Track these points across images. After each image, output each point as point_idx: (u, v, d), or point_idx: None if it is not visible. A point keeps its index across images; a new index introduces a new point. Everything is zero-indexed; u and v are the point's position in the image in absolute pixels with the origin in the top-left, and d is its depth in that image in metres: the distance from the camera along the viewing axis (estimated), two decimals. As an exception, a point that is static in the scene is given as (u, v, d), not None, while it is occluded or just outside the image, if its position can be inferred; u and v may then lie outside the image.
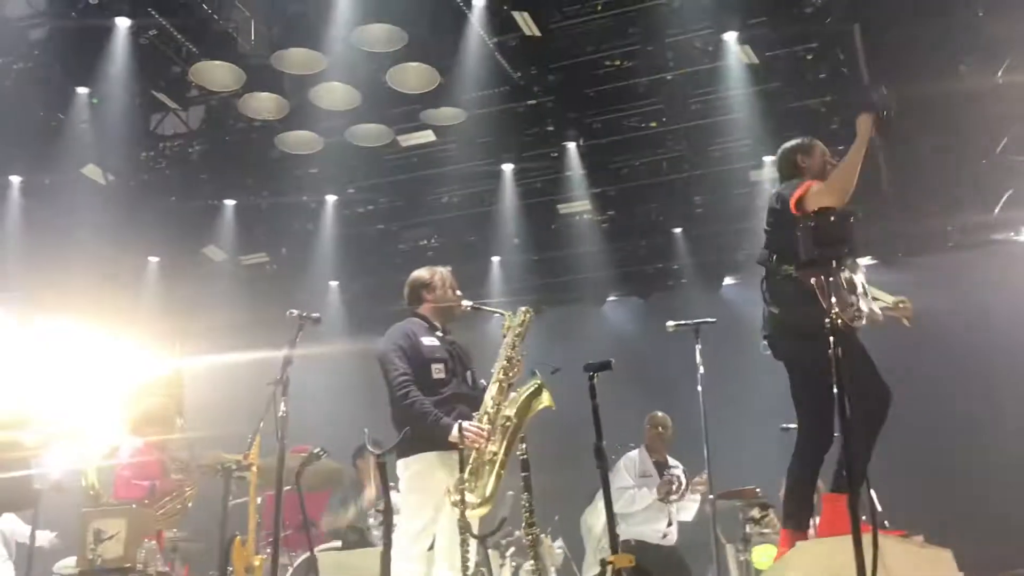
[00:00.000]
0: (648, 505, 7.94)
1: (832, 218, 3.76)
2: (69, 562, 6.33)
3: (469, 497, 4.79)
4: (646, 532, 7.91)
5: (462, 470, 4.77)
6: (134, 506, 6.17)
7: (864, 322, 4.63)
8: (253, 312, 12.77)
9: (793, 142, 5.42)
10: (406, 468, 5.21)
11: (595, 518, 8.47)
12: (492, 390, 5.26)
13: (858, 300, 4.64)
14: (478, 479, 4.96)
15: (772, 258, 4.97)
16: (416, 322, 5.61)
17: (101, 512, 5.79)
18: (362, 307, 12.48)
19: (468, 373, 5.57)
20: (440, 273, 5.80)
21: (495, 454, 5.03)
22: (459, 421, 5.05)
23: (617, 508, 7.60)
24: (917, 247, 11.54)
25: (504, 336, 5.47)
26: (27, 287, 6.19)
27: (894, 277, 10.69)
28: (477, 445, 5.01)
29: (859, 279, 4.70)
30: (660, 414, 8.29)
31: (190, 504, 6.90)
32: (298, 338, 4.77)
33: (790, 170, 5.32)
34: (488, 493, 4.94)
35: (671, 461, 8.28)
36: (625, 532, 7.97)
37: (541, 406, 5.24)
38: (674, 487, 7.88)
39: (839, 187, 4.75)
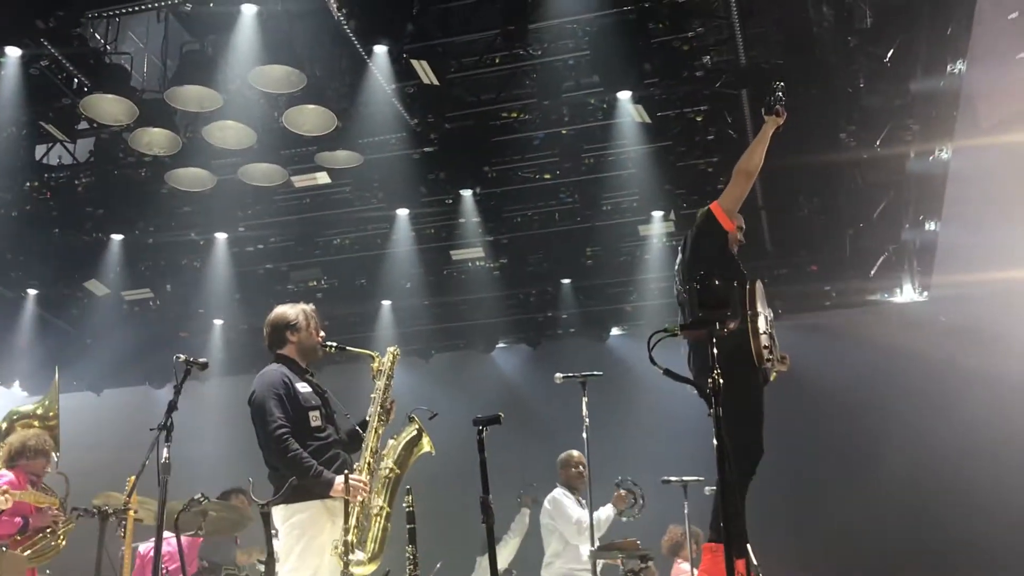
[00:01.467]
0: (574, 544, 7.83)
1: (716, 282, 3.90)
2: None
3: (358, 554, 4.72)
4: (583, 573, 7.67)
5: (346, 522, 4.71)
6: (3, 549, 5.93)
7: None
8: (136, 347, 12.52)
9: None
10: (289, 516, 5.03)
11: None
12: (369, 438, 5.18)
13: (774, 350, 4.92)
14: (364, 532, 4.90)
15: None
16: (286, 368, 5.39)
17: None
18: (247, 346, 12.29)
19: (339, 418, 5.43)
20: (305, 311, 5.54)
21: (380, 507, 4.97)
22: (343, 472, 4.94)
23: (579, 540, 7.57)
24: (797, 305, 11.94)
25: (374, 379, 5.37)
26: None
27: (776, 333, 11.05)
28: (361, 498, 4.93)
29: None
30: (577, 452, 8.14)
31: (63, 542, 6.60)
32: (183, 383, 4.66)
33: None
34: (376, 548, 4.88)
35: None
36: (561, 572, 7.91)
37: (421, 452, 5.22)
38: (636, 498, 7.70)
39: (744, 168, 5.48)
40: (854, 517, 10.60)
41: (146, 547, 6.82)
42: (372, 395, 5.33)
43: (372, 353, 5.45)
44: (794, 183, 9.80)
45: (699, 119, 9.41)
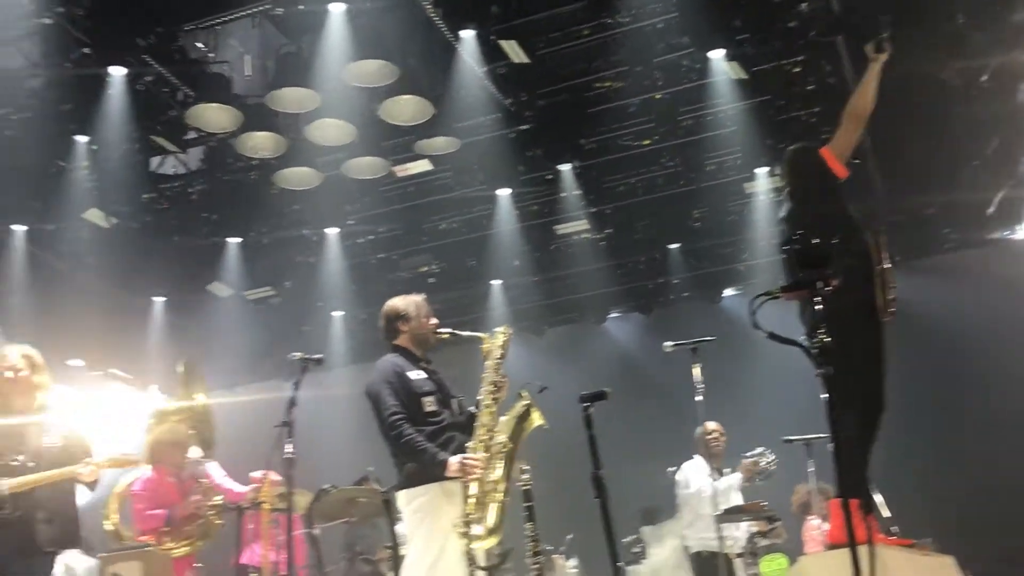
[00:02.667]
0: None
1: (815, 240, 3.85)
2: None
3: (476, 529, 4.82)
4: (713, 541, 7.52)
5: (465, 502, 4.82)
6: (148, 548, 6.22)
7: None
8: (262, 344, 12.95)
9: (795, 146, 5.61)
10: (410, 501, 5.18)
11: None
12: (482, 417, 5.24)
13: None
14: (483, 510, 4.99)
15: None
16: (399, 357, 5.51)
17: (117, 556, 5.86)
18: (367, 335, 12.57)
19: (454, 401, 5.50)
20: (415, 302, 5.66)
21: (496, 482, 5.04)
22: (457, 455, 5.05)
23: (705, 509, 7.58)
24: (914, 249, 11.61)
25: (485, 359, 5.42)
26: (34, 334, 6.26)
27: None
28: (477, 476, 5.03)
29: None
30: (712, 423, 7.99)
31: (218, 522, 6.79)
32: (302, 380, 4.81)
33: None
34: (494, 523, 4.95)
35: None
36: (694, 543, 7.96)
37: (534, 425, 5.24)
38: (762, 464, 7.63)
39: (854, 112, 5.34)
40: (987, 467, 10.28)
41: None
42: (483, 375, 5.40)
43: (481, 335, 5.50)
44: (903, 125, 9.50)
45: (796, 70, 9.20)
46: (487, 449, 5.13)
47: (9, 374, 5.53)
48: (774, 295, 3.77)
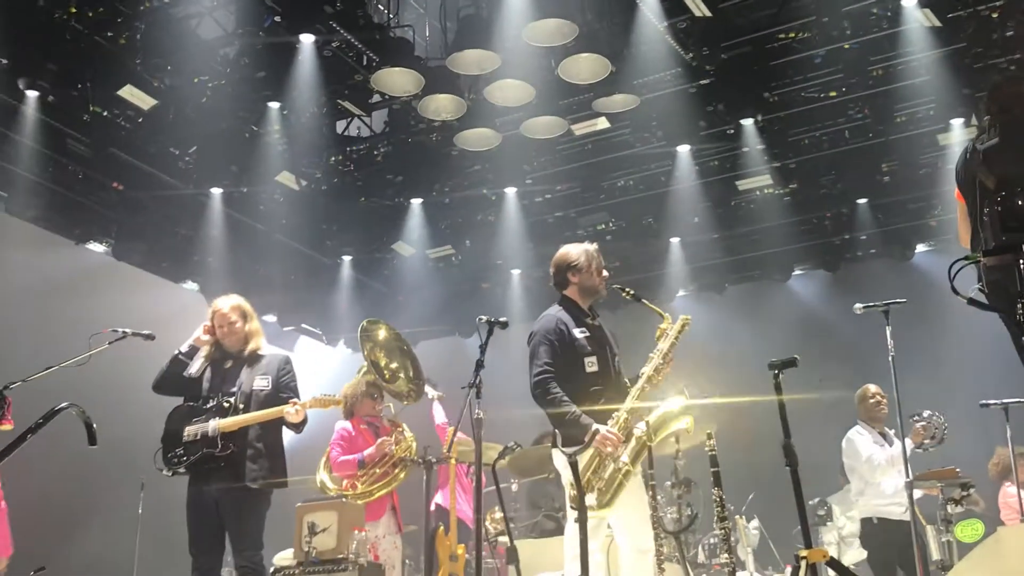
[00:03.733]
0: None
1: (1020, 202, 3.60)
2: (287, 554, 6.71)
3: (589, 498, 4.78)
4: (890, 509, 7.48)
5: (585, 471, 4.81)
6: (344, 499, 6.50)
7: None
8: (443, 301, 13.29)
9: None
10: (564, 460, 5.05)
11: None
12: (632, 395, 5.16)
13: None
14: (603, 482, 4.95)
15: None
16: (565, 312, 5.47)
17: (314, 506, 6.15)
18: (544, 293, 12.66)
19: (616, 360, 5.43)
20: (588, 252, 5.57)
21: (624, 464, 4.96)
22: (596, 427, 5.01)
23: (876, 476, 7.45)
24: None
25: (658, 339, 5.30)
26: (230, 291, 6.63)
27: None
28: (608, 450, 4.97)
29: None
30: (873, 386, 7.84)
31: (402, 473, 6.94)
32: (488, 342, 4.89)
33: None
34: (608, 498, 4.90)
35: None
36: (867, 509, 7.79)
37: (678, 425, 5.09)
38: (935, 430, 7.26)
39: None
40: None
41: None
42: (651, 354, 5.29)
43: (663, 314, 5.40)
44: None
45: (994, 15, 8.67)
46: (625, 428, 5.05)
47: (223, 325, 5.95)
48: (975, 259, 3.58)
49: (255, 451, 5.78)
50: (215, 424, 5.77)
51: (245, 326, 6.08)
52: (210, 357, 6.05)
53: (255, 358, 6.05)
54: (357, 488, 6.89)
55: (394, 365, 7.48)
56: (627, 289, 5.57)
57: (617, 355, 5.49)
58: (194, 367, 6.01)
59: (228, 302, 6.11)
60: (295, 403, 5.81)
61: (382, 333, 7.60)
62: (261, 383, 5.94)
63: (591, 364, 5.27)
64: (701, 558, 7.90)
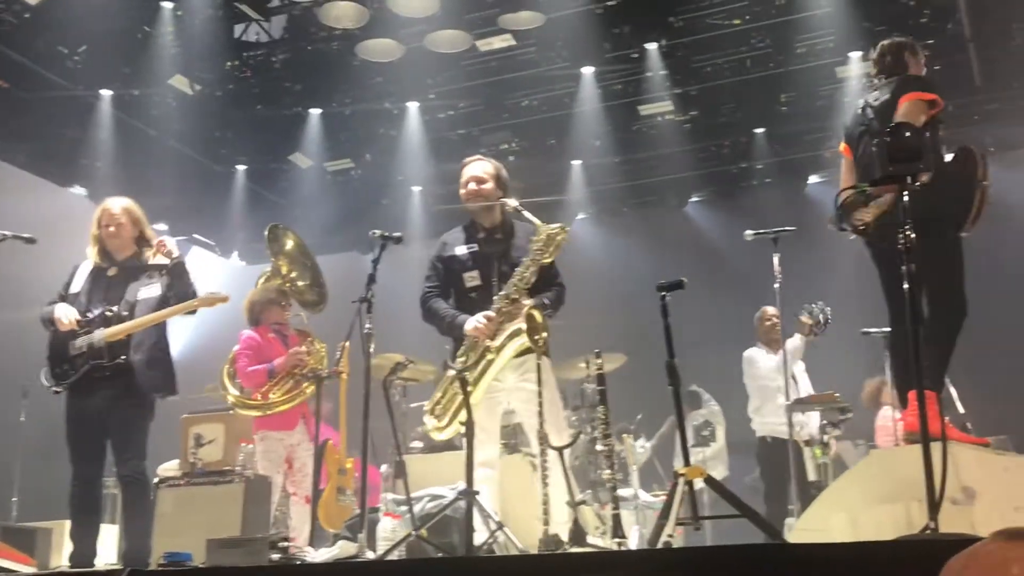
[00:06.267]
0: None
1: (907, 133, 3.69)
2: (171, 464, 6.60)
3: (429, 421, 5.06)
4: (783, 429, 7.58)
5: (454, 359, 5.02)
6: (231, 412, 6.41)
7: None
8: (341, 216, 13.08)
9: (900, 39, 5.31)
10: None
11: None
12: (507, 288, 5.16)
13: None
14: (480, 372, 5.08)
15: None
16: (460, 231, 5.50)
17: (200, 418, 6.06)
18: (445, 212, 12.59)
19: (503, 273, 5.32)
20: (462, 165, 5.53)
21: (494, 345, 5.04)
22: (464, 318, 5.16)
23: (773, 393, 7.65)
24: (1011, 141, 11.18)
25: (532, 246, 5.18)
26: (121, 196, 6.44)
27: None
28: (487, 334, 5.05)
29: None
30: (771, 308, 8.04)
31: (322, 367, 6.71)
32: (380, 257, 4.84)
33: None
34: (475, 380, 5.03)
35: None
36: (760, 427, 8.04)
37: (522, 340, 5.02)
38: (819, 314, 7.47)
39: None
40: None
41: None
42: (524, 259, 5.20)
43: (536, 222, 5.23)
44: (1004, 11, 9.07)
45: (899, -51, 8.79)
46: (500, 313, 5.11)
47: (110, 224, 5.73)
48: (862, 190, 3.66)
49: (143, 359, 5.65)
50: (101, 334, 5.60)
51: (134, 231, 5.88)
52: (95, 267, 5.85)
53: (143, 267, 5.86)
54: (269, 399, 6.62)
55: (294, 274, 7.33)
56: (506, 201, 5.38)
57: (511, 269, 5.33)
58: (76, 284, 5.81)
59: (119, 203, 5.90)
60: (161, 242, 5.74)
61: (289, 242, 7.44)
62: (149, 292, 5.76)
63: (472, 279, 5.33)
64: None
